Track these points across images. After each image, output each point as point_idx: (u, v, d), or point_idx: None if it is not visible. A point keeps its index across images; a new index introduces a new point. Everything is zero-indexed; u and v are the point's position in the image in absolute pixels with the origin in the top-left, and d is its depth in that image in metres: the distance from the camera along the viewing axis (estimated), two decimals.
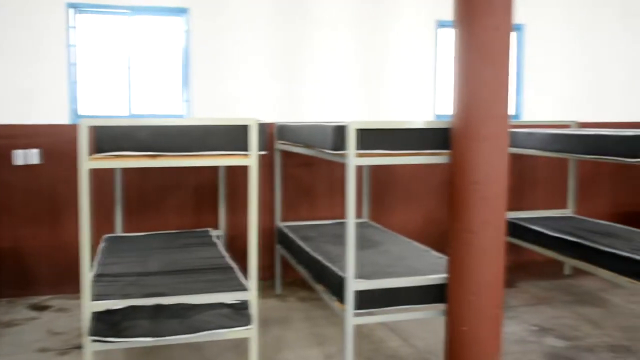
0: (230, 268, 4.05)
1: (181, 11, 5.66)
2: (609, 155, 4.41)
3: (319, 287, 4.23)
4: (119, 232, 5.40)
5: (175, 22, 5.76)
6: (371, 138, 3.62)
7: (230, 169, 5.57)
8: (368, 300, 3.69)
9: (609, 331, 4.77)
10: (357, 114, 6.06)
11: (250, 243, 3.47)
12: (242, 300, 3.42)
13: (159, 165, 3.30)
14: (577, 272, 6.15)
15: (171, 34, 5.78)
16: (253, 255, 3.47)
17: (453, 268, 3.69)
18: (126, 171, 5.47)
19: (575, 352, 4.36)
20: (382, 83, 6.18)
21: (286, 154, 5.72)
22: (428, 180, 6.21)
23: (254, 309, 3.44)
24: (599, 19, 6.79)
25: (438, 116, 6.32)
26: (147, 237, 5.10)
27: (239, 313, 3.35)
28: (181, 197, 5.72)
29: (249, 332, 3.40)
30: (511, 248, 6.14)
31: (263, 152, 3.53)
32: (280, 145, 5.44)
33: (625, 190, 6.90)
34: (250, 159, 3.38)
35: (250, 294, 3.45)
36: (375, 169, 6.00)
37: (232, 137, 3.35)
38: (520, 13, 6.37)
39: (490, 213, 3.57)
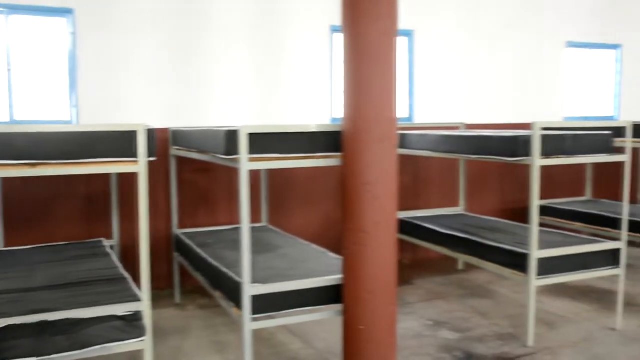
0: (123, 279, 3.90)
1: (66, 12, 5.41)
2: (493, 155, 4.65)
3: (217, 294, 4.17)
4: None
5: (60, 23, 5.49)
6: (263, 142, 3.62)
7: (122, 177, 5.38)
8: (265, 304, 3.68)
9: (497, 321, 5.03)
10: (254, 118, 6.05)
11: (141, 252, 3.36)
12: (135, 312, 3.31)
13: (40, 174, 3.13)
14: (470, 267, 6.45)
15: (56, 36, 5.50)
16: (145, 264, 3.36)
17: (348, 268, 3.76)
18: (6, 181, 5.14)
19: (467, 343, 4.56)
20: (279, 87, 6.20)
21: (182, 160, 5.61)
22: (327, 182, 6.29)
23: (147, 320, 3.33)
24: (485, 26, 7.17)
25: (334, 120, 6.42)
26: (32, 251, 4.82)
27: (131, 325, 3.23)
28: (71, 207, 5.45)
29: (143, 344, 3.29)
30: (408, 246, 6.37)
31: (152, 159, 3.43)
32: (175, 151, 5.32)
33: (511, 188, 7.32)
34: (139, 166, 3.28)
35: (143, 305, 3.35)
36: (274, 173, 6.01)
37: (118, 143, 3.24)
38: (410, 19, 6.64)
39: (382, 213, 3.67)
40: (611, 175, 6.99)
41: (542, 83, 7.64)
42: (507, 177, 7.29)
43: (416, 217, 6.19)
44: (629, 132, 4.72)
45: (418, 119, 6.86)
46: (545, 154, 4.30)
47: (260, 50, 6.09)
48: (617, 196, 7.01)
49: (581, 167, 7.43)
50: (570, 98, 7.94)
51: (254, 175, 5.77)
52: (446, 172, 6.96)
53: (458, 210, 6.63)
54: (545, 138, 4.29)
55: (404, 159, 6.39)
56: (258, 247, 4.75)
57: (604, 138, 4.57)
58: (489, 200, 7.22)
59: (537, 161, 4.24)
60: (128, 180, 5.42)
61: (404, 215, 6.24)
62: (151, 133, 3.40)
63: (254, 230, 5.42)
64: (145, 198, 3.34)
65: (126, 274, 4.00)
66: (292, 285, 3.72)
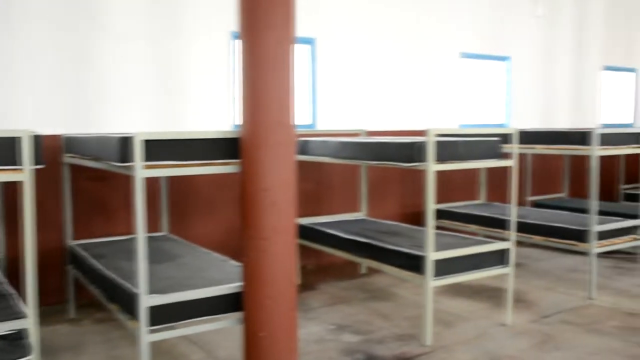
0: (8, 295, 3.67)
1: None
2: (391, 161, 4.79)
3: (113, 307, 4.02)
4: None
5: None
6: (159, 149, 3.54)
7: (9, 186, 5.07)
8: (163, 315, 3.59)
9: (397, 322, 5.17)
10: (155, 125, 5.89)
11: (27, 265, 3.18)
12: (19, 330, 3.12)
13: None
14: (372, 271, 6.59)
15: None
16: (30, 278, 3.18)
17: (248, 275, 3.74)
18: None
19: (368, 345, 4.65)
20: (180, 94, 6.08)
21: (77, 168, 5.36)
22: (230, 189, 6.23)
23: (33, 338, 3.15)
24: (385, 35, 7.38)
25: (236, 126, 6.36)
26: None
27: (13, 344, 3.04)
28: None
29: None
30: (311, 252, 6.42)
31: (40, 166, 3.26)
32: (69, 158, 5.09)
33: (411, 193, 7.56)
34: (23, 174, 3.10)
35: (28, 322, 3.16)
36: (175, 181, 5.88)
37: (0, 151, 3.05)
38: (312, 28, 6.73)
39: (281, 219, 3.68)
40: (504, 179, 7.38)
41: (439, 91, 7.97)
42: (407, 182, 7.52)
43: (319, 222, 6.26)
44: (515, 138, 5.01)
45: (321, 126, 6.95)
46: (440, 159, 4.47)
47: (160, 55, 5.95)
48: (508, 199, 7.42)
49: (477, 171, 7.81)
50: (465, 106, 8.31)
51: (153, 183, 5.62)
52: (348, 178, 7.08)
53: (359, 215, 6.77)
54: (439, 144, 4.46)
55: (306, 165, 6.46)
56: (157, 256, 4.63)
57: (492, 144, 4.82)
58: (389, 205, 7.43)
59: (432, 166, 4.40)
60: (14, 190, 5.11)
61: (307, 221, 6.30)
62: (37, 139, 3.23)
63: (153, 239, 5.28)
64: (30, 208, 3.16)
65: (11, 290, 3.77)
66: (190, 295, 3.65)
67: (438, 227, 7.09)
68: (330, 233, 5.79)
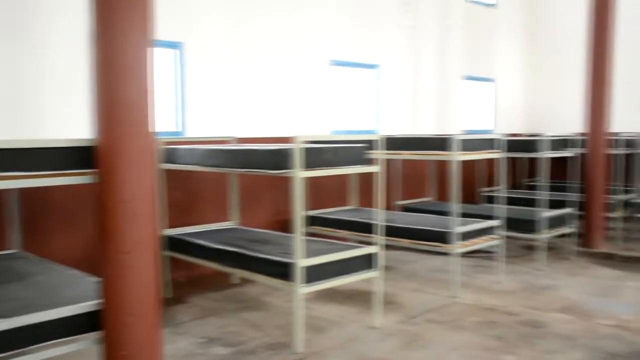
0: None
1: None
2: (259, 168, 4.74)
3: None
4: None
5: None
6: (4, 159, 3.24)
7: None
8: (8, 341, 3.27)
9: (269, 331, 5.11)
10: (4, 133, 5.41)
11: None
12: None
13: None
14: (245, 280, 6.48)
15: None
16: None
17: (107, 291, 3.53)
18: None
19: (239, 356, 4.55)
20: (36, 99, 5.62)
21: None
22: (89, 201, 5.85)
23: None
24: (254, 41, 7.32)
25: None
26: None
27: None
28: None
29: None
30: (182, 264, 6.21)
31: None
32: None
33: (283, 200, 7.54)
34: None
35: None
36: (26, 192, 5.42)
37: None
38: (179, 32, 6.53)
39: (142, 231, 3.50)
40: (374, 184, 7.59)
41: (311, 98, 8.04)
42: (279, 189, 7.50)
43: (188, 233, 6.07)
44: (381, 144, 5.14)
45: (190, 133, 6.75)
46: (307, 166, 4.47)
47: (17, 57, 5.47)
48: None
49: (348, 177, 7.96)
50: (337, 113, 8.46)
51: (2, 195, 5.17)
52: (219, 186, 6.94)
53: (231, 224, 6.65)
54: (306, 151, 4.46)
55: (174, 173, 6.25)
56: (6, 276, 4.24)
57: (359, 150, 4.91)
58: (261, 213, 7.37)
59: (299, 173, 4.39)
60: None
61: (176, 231, 6.09)
62: None
63: (3, 258, 4.85)
64: None
65: None
66: (39, 317, 3.36)
67: (310, 234, 7.17)
68: (200, 243, 5.62)
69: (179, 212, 6.51)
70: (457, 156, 5.93)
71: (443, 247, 6.14)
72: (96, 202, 3.51)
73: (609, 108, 8.34)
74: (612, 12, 8.26)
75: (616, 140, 8.63)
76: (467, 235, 6.17)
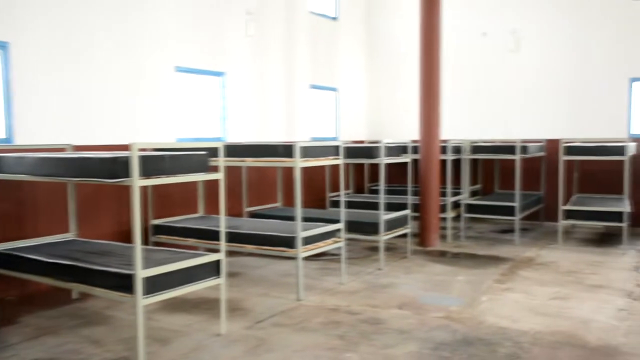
0: None
1: None
2: (94, 177, 4.55)
3: None
4: None
5: None
6: None
7: None
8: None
9: (111, 346, 4.91)
10: None
11: None
12: None
13: None
14: (87, 295, 6.16)
15: None
16: None
17: None
18: None
19: None
20: None
21: None
22: None
23: None
24: (89, 44, 6.99)
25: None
26: None
27: None
28: None
29: None
30: (13, 281, 5.79)
31: None
32: None
33: (126, 209, 7.27)
34: None
35: None
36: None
37: None
38: (5, 30, 6.07)
39: None
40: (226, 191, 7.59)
41: (155, 105, 7.84)
42: (123, 198, 7.23)
43: (19, 247, 5.65)
44: (222, 152, 5.15)
45: (21, 140, 6.28)
46: (145, 174, 4.37)
47: None
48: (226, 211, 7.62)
49: (195, 185, 7.88)
50: (183, 120, 8.33)
51: None
52: (56, 196, 6.52)
53: (69, 236, 6.29)
54: (144, 159, 4.36)
55: (2, 183, 5.82)
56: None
57: (200, 158, 4.88)
58: (104, 223, 7.06)
59: (137, 181, 4.28)
60: None
61: (3, 247, 5.65)
62: None
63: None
64: None
65: None
66: None
67: (157, 243, 7.02)
68: (32, 258, 5.26)
69: (7, 226, 6.05)
70: (300, 163, 6.11)
71: (288, 252, 6.29)
72: None
73: (439, 117, 9.04)
74: (438, 30, 8.96)
75: (446, 147, 9.36)
76: (310, 239, 6.37)
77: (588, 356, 4.67)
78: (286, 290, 6.58)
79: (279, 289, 6.67)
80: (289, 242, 6.27)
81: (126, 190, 7.00)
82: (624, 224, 8.68)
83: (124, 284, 4.47)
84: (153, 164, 4.44)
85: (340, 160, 6.78)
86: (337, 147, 6.77)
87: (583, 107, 10.81)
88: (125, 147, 6.57)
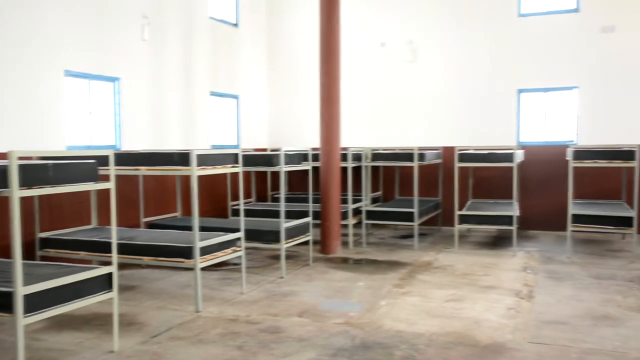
0: None
1: None
2: None
3: None
4: None
5: None
6: None
7: None
8: None
9: None
10: None
11: None
12: None
13: None
14: None
15: None
16: None
17: None
18: None
19: None
20: None
21: None
22: None
23: None
24: None
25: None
26: None
27: None
28: None
29: None
30: None
31: None
32: None
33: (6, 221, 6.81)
34: None
35: None
36: None
37: None
38: None
39: None
40: (118, 202, 7.28)
41: (43, 111, 7.39)
42: (3, 210, 6.76)
43: None
44: (112, 160, 4.92)
45: None
46: (27, 184, 4.11)
47: None
48: (122, 222, 7.32)
49: (88, 194, 7.51)
50: (73, 127, 7.92)
51: None
52: None
53: None
54: (25, 168, 4.10)
55: None
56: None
57: (89, 167, 4.65)
58: None
59: (16, 192, 4.01)
60: None
61: None
62: None
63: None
64: None
65: None
66: None
67: (44, 258, 6.62)
68: None
69: None
70: (197, 171, 5.97)
71: (185, 263, 6.12)
72: None
73: (339, 125, 9.16)
74: (337, 39, 9.10)
75: (347, 154, 9.48)
76: (208, 249, 6.23)
77: (478, 354, 4.85)
78: (185, 302, 6.39)
79: (177, 301, 6.48)
80: (185, 253, 6.11)
81: (6, 200, 6.58)
82: (514, 227, 9.15)
83: (3, 302, 4.15)
84: (35, 173, 4.18)
85: (239, 169, 6.69)
86: (236, 155, 6.68)
87: (477, 116, 11.36)
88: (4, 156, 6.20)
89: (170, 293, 6.87)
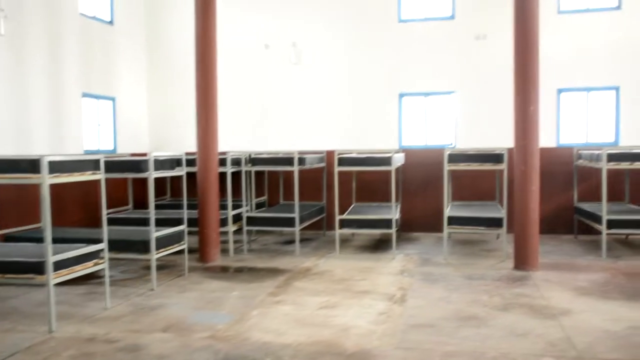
0: None
1: None
2: None
3: None
4: None
5: None
6: None
7: None
8: None
9: None
10: None
11: None
12: None
13: None
14: None
15: None
16: None
17: None
18: None
19: None
20: None
21: None
22: None
23: None
24: None
25: None
26: None
27: None
28: None
29: None
30: None
31: None
32: None
33: None
34: None
35: None
36: None
37: None
38: None
39: None
40: None
41: None
42: None
43: None
44: None
45: None
46: None
47: None
48: None
49: None
50: None
51: None
52: None
53: None
54: None
55: None
56: None
57: None
58: None
59: None
60: None
61: None
62: None
63: None
64: None
65: None
66: None
67: None
68: None
69: None
70: (49, 179, 5.49)
71: (37, 279, 5.60)
72: None
73: (216, 129, 8.86)
74: (214, 40, 8.82)
75: (225, 159, 9.20)
76: (64, 264, 5.74)
77: None
78: (38, 322, 5.86)
79: (29, 322, 5.93)
80: (37, 268, 5.59)
81: None
82: (393, 230, 9.22)
83: None
84: None
85: (100, 176, 6.25)
86: (97, 161, 6.23)
87: (361, 120, 11.45)
88: None
89: (23, 312, 6.29)
